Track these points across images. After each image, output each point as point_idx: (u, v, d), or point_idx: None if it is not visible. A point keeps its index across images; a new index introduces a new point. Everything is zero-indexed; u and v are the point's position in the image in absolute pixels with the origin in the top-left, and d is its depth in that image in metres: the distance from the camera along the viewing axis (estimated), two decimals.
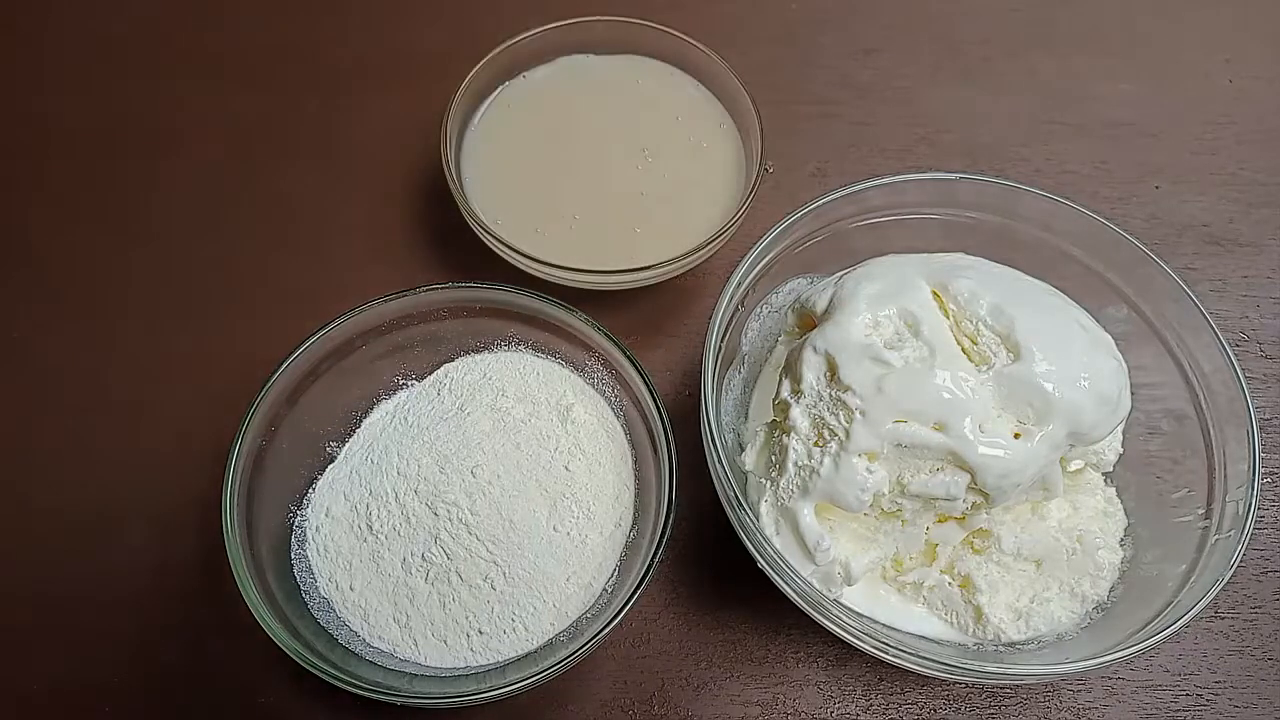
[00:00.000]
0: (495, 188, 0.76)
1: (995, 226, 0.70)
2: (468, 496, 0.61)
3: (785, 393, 0.60)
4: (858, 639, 0.56)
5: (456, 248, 0.80)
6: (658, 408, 0.62)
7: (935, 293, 0.58)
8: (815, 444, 0.57)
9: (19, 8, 0.94)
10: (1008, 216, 0.70)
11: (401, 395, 0.69)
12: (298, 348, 0.62)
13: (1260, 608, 0.69)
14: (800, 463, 0.57)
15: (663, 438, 0.61)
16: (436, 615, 0.59)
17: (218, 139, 0.87)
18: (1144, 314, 0.67)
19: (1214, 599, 0.55)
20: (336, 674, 0.53)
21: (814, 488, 0.56)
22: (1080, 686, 0.66)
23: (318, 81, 0.91)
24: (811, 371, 0.58)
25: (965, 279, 0.58)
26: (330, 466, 0.66)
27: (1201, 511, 0.61)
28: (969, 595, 0.60)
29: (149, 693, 0.63)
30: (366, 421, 0.68)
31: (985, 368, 0.55)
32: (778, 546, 0.57)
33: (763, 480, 0.60)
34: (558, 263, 0.70)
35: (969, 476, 0.54)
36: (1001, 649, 0.60)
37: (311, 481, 0.65)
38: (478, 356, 0.70)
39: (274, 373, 0.61)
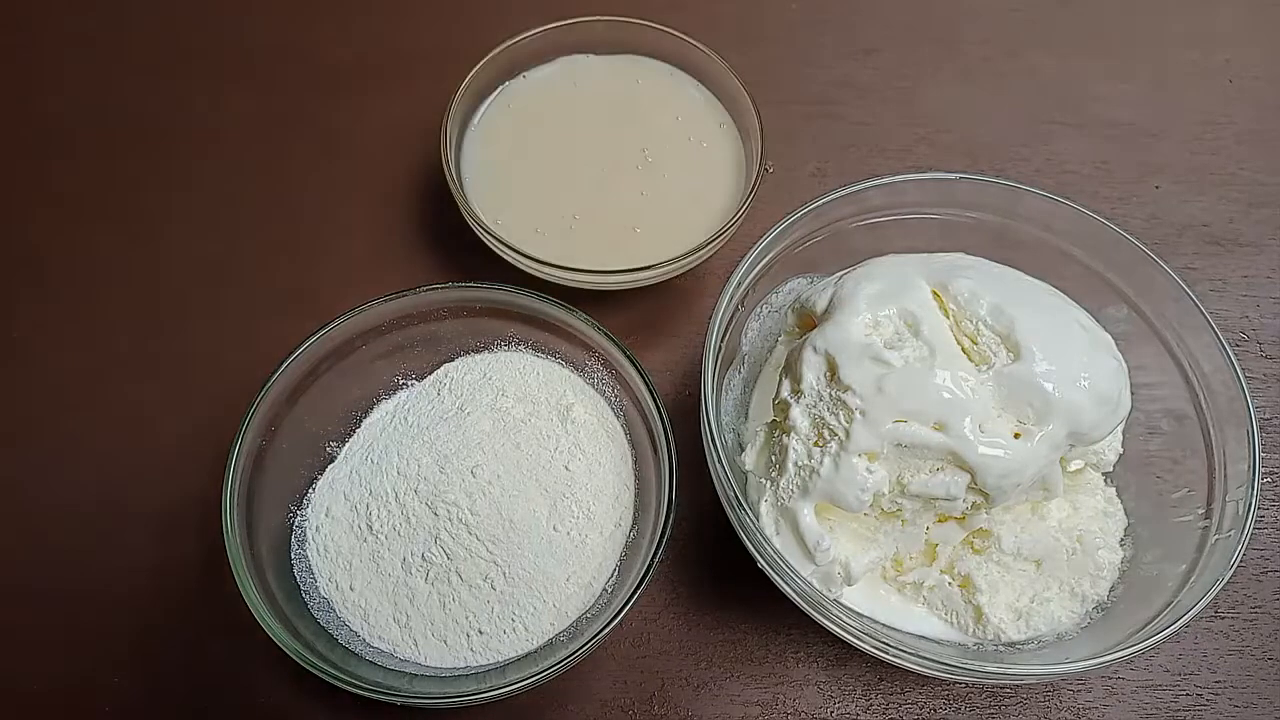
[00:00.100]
0: (495, 188, 0.76)
1: (995, 226, 0.70)
2: (468, 496, 0.61)
3: (785, 393, 0.60)
4: (858, 639, 0.56)
5: (456, 248, 0.80)
6: (658, 408, 0.62)
7: (935, 293, 0.58)
8: (815, 444, 0.57)
9: (19, 8, 0.94)
10: (1008, 216, 0.70)
11: (401, 395, 0.69)
12: (298, 348, 0.62)
13: (1260, 608, 0.69)
14: (800, 463, 0.57)
15: (663, 438, 0.61)
16: (436, 615, 0.59)
17: (218, 139, 0.87)
18: (1144, 314, 0.67)
19: (1214, 599, 0.55)
20: (336, 674, 0.53)
21: (814, 488, 0.56)
22: (1080, 686, 0.66)
23: (318, 81, 0.91)
24: (811, 371, 0.58)
25: (965, 279, 0.58)
26: (330, 466, 0.66)
27: (1201, 511, 0.61)
28: (969, 595, 0.60)
29: (149, 693, 0.63)
30: (366, 421, 0.68)
31: (985, 368, 0.55)
32: (778, 546, 0.57)
33: (763, 480, 0.60)
34: (558, 263, 0.70)
35: (969, 476, 0.54)
36: (1001, 649, 0.60)
37: (311, 481, 0.65)
38: (478, 356, 0.70)
39: (274, 373, 0.61)
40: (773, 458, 0.60)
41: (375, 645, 0.59)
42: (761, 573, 0.58)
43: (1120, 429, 0.62)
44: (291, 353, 0.62)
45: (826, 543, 0.57)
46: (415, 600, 0.59)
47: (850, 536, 0.59)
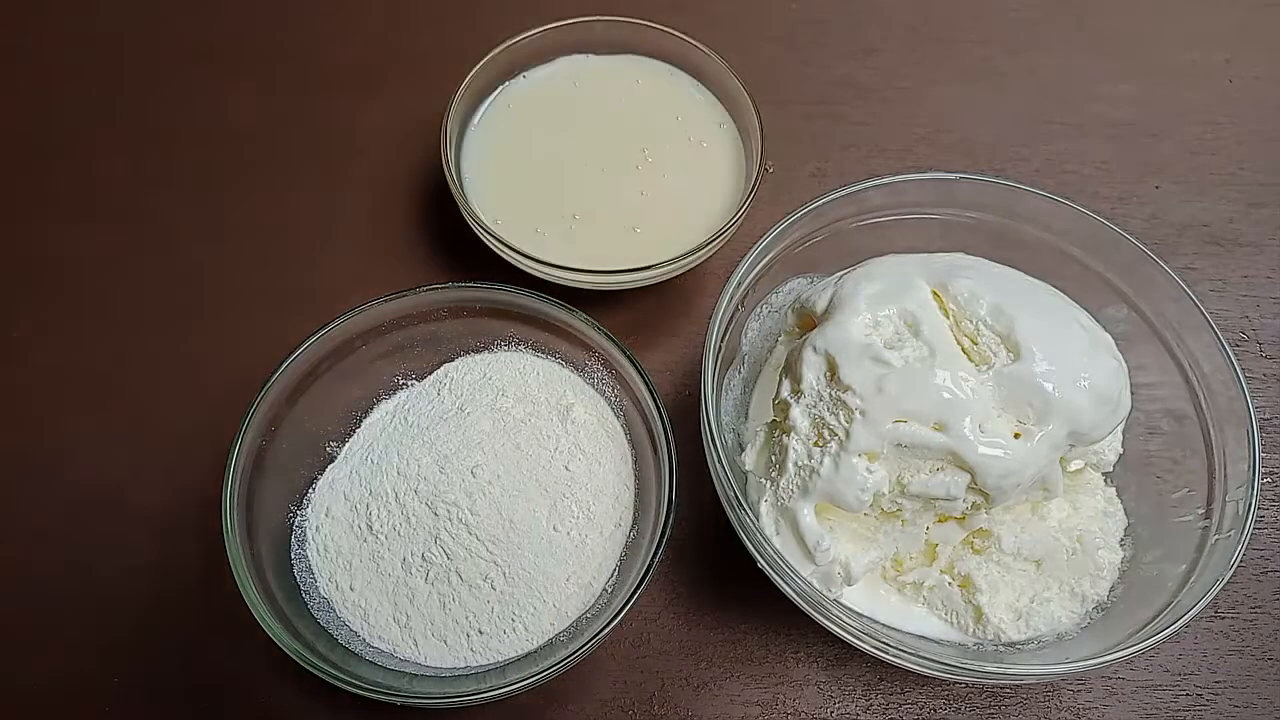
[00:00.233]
0: (495, 188, 0.76)
1: (995, 226, 0.70)
2: (468, 496, 0.61)
3: (785, 393, 0.60)
4: (858, 639, 0.56)
5: (456, 248, 0.80)
6: (658, 408, 0.62)
7: (935, 293, 0.58)
8: (815, 444, 0.57)
9: (19, 8, 0.94)
10: (1008, 216, 0.70)
11: (401, 395, 0.69)
12: (298, 348, 0.62)
13: (1260, 608, 0.69)
14: (800, 463, 0.57)
15: (663, 438, 0.61)
16: (436, 615, 0.59)
17: (218, 139, 0.87)
18: (1144, 314, 0.67)
19: (1214, 599, 0.55)
20: (336, 674, 0.53)
21: (814, 488, 0.56)
22: (1080, 686, 0.66)
23: (318, 81, 0.91)
24: (811, 371, 0.58)
25: (965, 279, 0.58)
26: (330, 466, 0.66)
27: (1201, 511, 0.61)
28: (969, 595, 0.60)
29: (149, 693, 0.63)
30: (366, 421, 0.68)
31: (985, 368, 0.55)
32: (778, 546, 0.57)
33: (763, 480, 0.60)
34: (558, 263, 0.70)
35: (969, 476, 0.54)
36: (1001, 649, 0.60)
37: (311, 481, 0.65)
38: (478, 356, 0.70)
39: (274, 373, 0.61)
40: (773, 458, 0.60)
41: (375, 645, 0.59)
42: (761, 573, 0.58)
43: (1120, 429, 0.62)
44: (291, 353, 0.62)
45: (826, 543, 0.57)
46: (415, 600, 0.59)
47: (850, 536, 0.59)
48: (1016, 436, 0.55)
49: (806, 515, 0.57)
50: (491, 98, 0.81)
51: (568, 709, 0.64)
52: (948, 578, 0.61)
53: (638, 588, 0.56)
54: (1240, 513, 0.58)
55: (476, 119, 0.80)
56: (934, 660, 0.54)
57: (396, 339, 0.68)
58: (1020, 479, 0.54)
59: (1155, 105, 0.94)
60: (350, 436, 0.67)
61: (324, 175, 0.86)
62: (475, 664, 0.59)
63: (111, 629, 0.65)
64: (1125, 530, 0.64)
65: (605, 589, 0.62)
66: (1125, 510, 0.65)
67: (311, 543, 0.62)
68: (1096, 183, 0.88)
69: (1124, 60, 0.97)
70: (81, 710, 0.63)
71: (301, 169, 0.86)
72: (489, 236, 0.71)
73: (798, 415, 0.58)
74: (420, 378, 0.70)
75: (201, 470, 0.67)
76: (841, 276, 0.63)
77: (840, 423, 0.56)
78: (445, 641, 0.59)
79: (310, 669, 0.53)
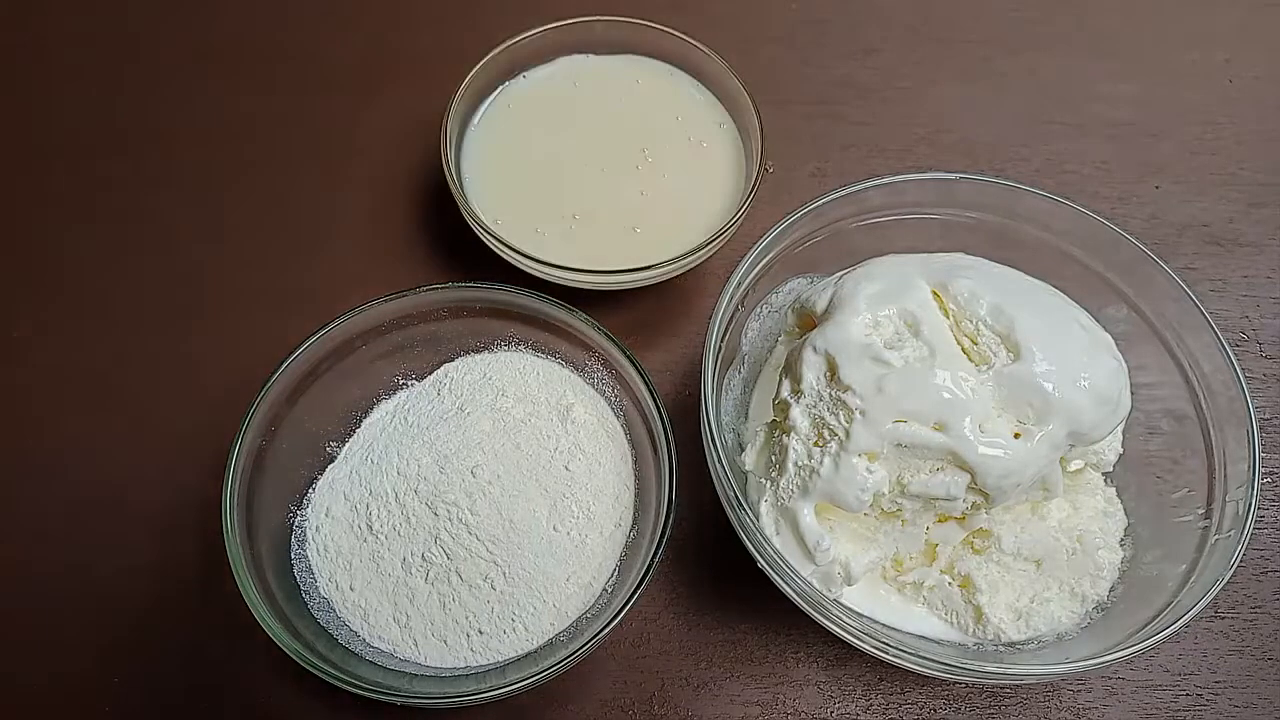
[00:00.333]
0: (495, 188, 0.76)
1: (995, 226, 0.70)
2: (468, 496, 0.61)
3: (785, 393, 0.60)
4: (858, 639, 0.56)
5: (456, 248, 0.80)
6: (658, 408, 0.62)
7: (935, 293, 0.58)
8: (815, 444, 0.57)
9: (19, 8, 0.94)
10: (1008, 216, 0.70)
11: (401, 395, 0.69)
12: (298, 348, 0.62)
13: (1260, 608, 0.69)
14: (800, 463, 0.57)
15: (663, 438, 0.61)
16: (436, 615, 0.59)
17: (218, 139, 0.87)
18: (1144, 314, 0.67)
19: (1214, 599, 0.55)
20: (336, 674, 0.53)
21: (814, 488, 0.56)
22: (1080, 686, 0.66)
23: (318, 81, 0.91)
24: (811, 371, 0.58)
25: (965, 279, 0.58)
26: (330, 466, 0.66)
27: (1201, 511, 0.61)
28: (969, 595, 0.60)
29: (149, 693, 0.63)
30: (366, 421, 0.68)
31: (985, 368, 0.55)
32: (778, 546, 0.57)
33: (763, 480, 0.60)
34: (558, 263, 0.70)
35: (969, 476, 0.54)
36: (1001, 649, 0.60)
37: (311, 481, 0.65)
38: (478, 356, 0.70)
39: (274, 373, 0.61)
40: (773, 458, 0.60)
41: (375, 645, 0.59)
42: (761, 573, 0.58)
43: (1120, 429, 0.62)
44: (291, 353, 0.62)
45: (826, 543, 0.57)
46: (415, 600, 0.59)
47: (850, 536, 0.59)
48: (1016, 436, 0.55)
49: (806, 515, 0.57)
50: (491, 98, 0.81)
51: (568, 709, 0.64)
52: (948, 578, 0.61)
53: (638, 588, 0.56)
54: (1240, 513, 0.58)
55: (476, 119, 0.80)
56: (934, 660, 0.54)
57: (396, 339, 0.68)
58: (1020, 479, 0.54)
59: (1155, 105, 0.94)
60: (350, 436, 0.67)
61: (324, 175, 0.86)
62: (475, 664, 0.59)
63: (111, 629, 0.65)
64: (1125, 530, 0.64)
65: (605, 589, 0.62)
66: (1125, 510, 0.65)
67: (311, 543, 0.62)
68: (1096, 183, 0.88)
69: (1124, 60, 0.97)
70: (81, 710, 0.63)
71: (301, 169, 0.86)
72: (489, 236, 0.71)
73: (798, 415, 0.58)
74: (420, 378, 0.70)
75: (201, 470, 0.67)
76: (841, 276, 0.63)
77: (840, 423, 0.56)
78: (445, 641, 0.59)
79: (310, 669, 0.53)
